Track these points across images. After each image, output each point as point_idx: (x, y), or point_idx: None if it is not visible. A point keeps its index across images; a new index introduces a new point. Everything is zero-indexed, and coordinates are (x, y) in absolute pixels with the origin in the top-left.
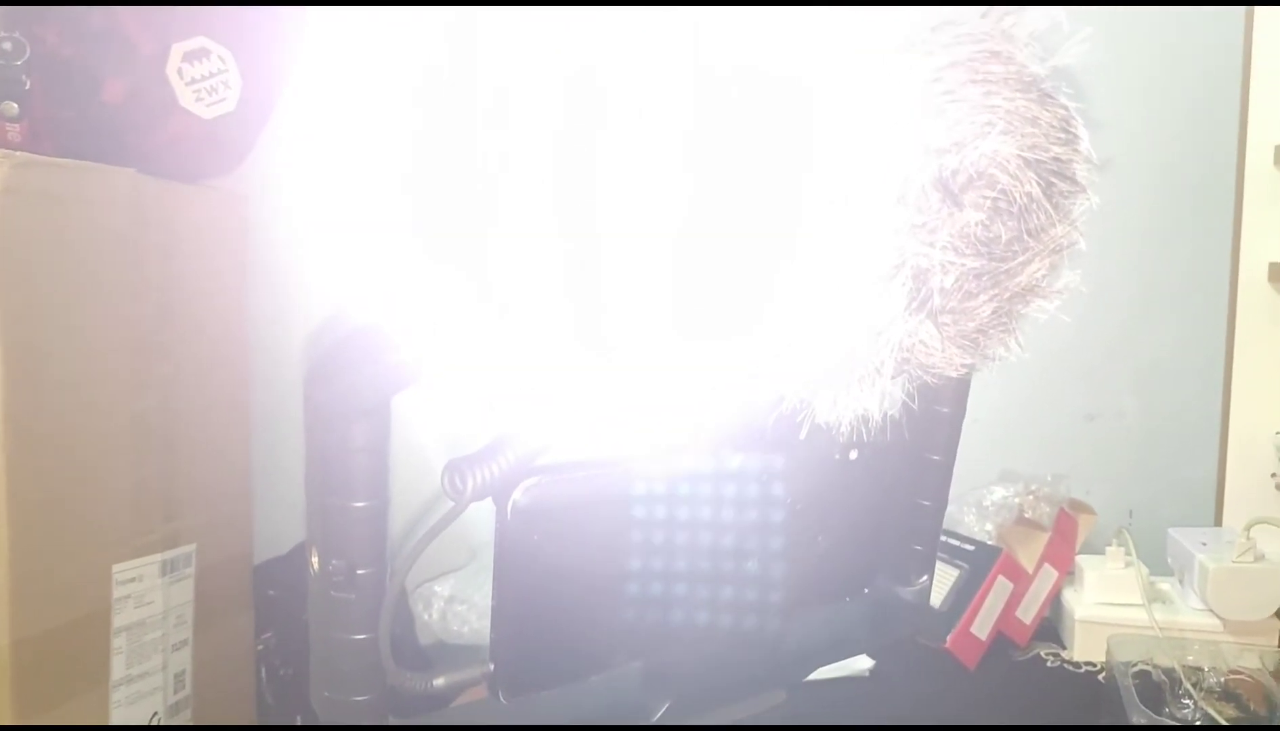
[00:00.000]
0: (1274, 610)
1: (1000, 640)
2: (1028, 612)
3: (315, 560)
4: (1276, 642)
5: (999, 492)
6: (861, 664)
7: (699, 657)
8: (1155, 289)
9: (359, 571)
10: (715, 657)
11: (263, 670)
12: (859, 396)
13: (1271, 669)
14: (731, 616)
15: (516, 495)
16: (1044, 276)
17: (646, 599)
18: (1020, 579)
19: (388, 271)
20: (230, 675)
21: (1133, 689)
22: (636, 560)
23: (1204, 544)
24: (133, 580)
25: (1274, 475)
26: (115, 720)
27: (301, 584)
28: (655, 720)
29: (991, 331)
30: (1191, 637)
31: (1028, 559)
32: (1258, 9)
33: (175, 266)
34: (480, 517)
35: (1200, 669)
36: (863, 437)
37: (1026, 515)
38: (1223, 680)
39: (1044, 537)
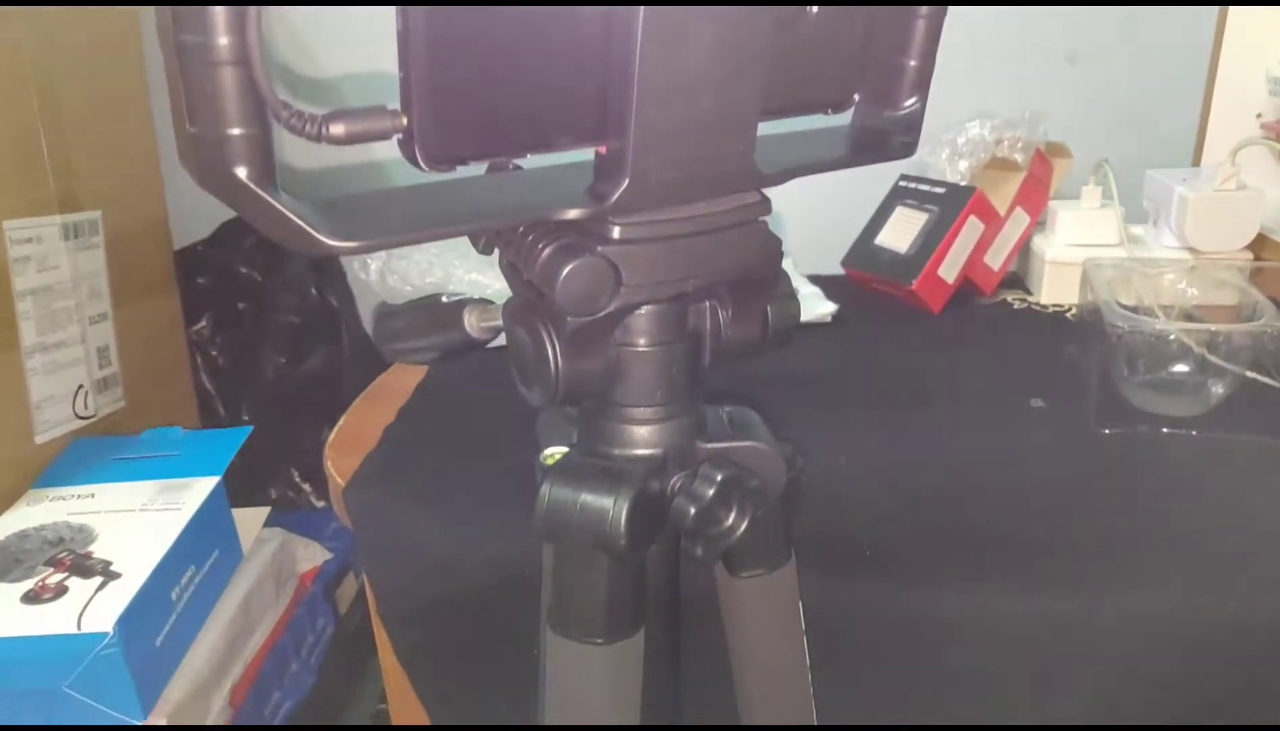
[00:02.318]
0: (1249, 240)
1: (964, 291)
2: (996, 258)
3: None
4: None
5: (974, 129)
6: (824, 308)
7: (668, 143)
8: None
9: None
10: (688, 150)
11: (199, 357)
12: None
13: (1248, 277)
14: (707, 91)
15: None
16: None
17: (601, 49)
18: (992, 220)
19: None
20: (161, 358)
21: (1114, 303)
22: None
23: (1184, 180)
24: (30, 240)
25: (1259, 115)
26: (34, 388)
27: (232, 268)
28: (611, 203)
29: None
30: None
31: (1000, 200)
32: None
33: None
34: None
35: (1171, 306)
36: None
37: (1000, 155)
38: (1194, 308)
39: (1018, 178)
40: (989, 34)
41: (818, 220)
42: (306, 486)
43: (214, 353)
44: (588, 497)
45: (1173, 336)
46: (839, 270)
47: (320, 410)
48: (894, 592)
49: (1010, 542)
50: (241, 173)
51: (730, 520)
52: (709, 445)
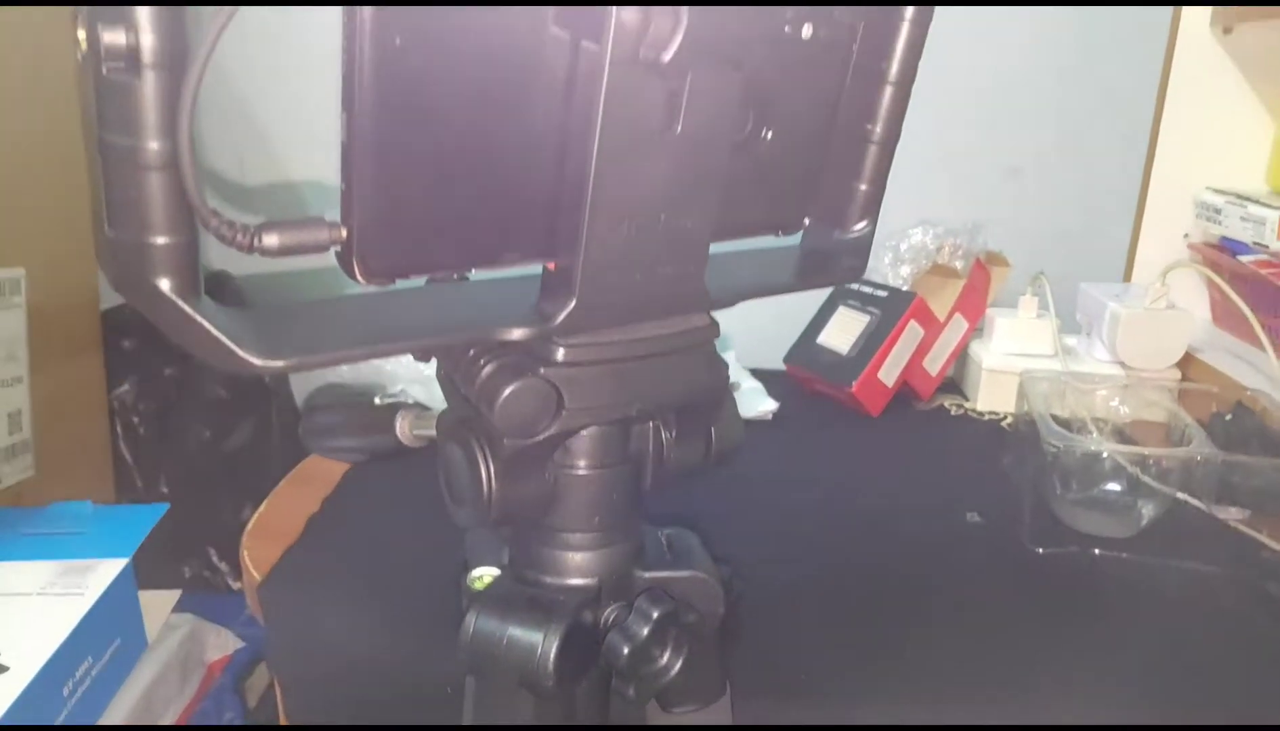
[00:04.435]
0: (1178, 359)
1: (903, 395)
2: (935, 363)
3: (82, 33)
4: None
5: (917, 236)
6: (765, 406)
7: (619, 263)
8: (1095, 34)
9: (144, 42)
10: (639, 271)
11: (118, 424)
12: None
13: (1176, 398)
14: (660, 214)
15: None
16: None
17: (553, 169)
18: (931, 326)
19: None
20: (79, 423)
21: (1049, 418)
22: (543, 107)
23: (1116, 296)
24: None
25: (1186, 235)
26: None
27: (159, 332)
28: (556, 324)
29: None
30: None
31: (940, 306)
32: None
33: None
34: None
35: (1104, 420)
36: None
37: (941, 262)
38: (1125, 425)
39: (958, 285)
40: (934, 146)
41: (761, 313)
42: (223, 565)
43: (135, 420)
44: (516, 631)
45: (1105, 455)
46: (780, 364)
47: (243, 487)
48: (830, 716)
49: (949, 661)
50: (164, 285)
51: (665, 659)
52: (647, 573)
